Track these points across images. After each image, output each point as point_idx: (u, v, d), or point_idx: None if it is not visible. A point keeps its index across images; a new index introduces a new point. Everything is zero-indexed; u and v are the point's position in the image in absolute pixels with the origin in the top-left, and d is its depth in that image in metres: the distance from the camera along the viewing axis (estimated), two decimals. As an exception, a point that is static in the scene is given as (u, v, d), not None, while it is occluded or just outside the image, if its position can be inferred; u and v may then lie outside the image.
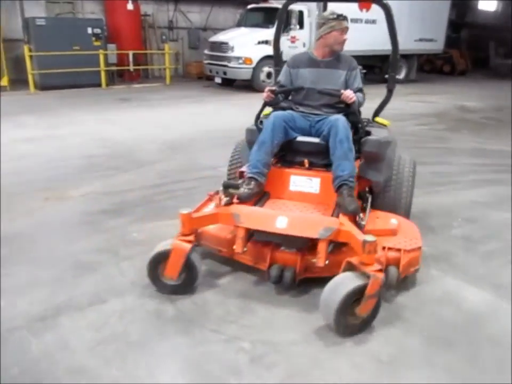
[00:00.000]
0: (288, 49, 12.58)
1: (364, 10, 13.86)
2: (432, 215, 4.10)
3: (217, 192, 3.23)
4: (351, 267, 2.47)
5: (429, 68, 20.78)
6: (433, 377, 2.19)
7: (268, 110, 3.54)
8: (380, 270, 2.40)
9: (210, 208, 3.19)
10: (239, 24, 13.52)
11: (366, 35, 14.00)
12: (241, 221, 2.72)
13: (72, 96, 10.79)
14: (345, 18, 3.38)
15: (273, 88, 3.39)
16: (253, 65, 11.95)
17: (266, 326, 2.53)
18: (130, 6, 13.32)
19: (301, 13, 12.66)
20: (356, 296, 2.35)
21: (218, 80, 12.73)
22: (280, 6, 13.02)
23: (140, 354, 2.28)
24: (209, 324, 2.53)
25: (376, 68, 15.87)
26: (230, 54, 12.10)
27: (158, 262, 2.76)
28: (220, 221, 2.89)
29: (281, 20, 4.09)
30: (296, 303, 2.74)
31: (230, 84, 13.00)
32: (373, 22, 14.18)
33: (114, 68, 13.00)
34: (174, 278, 2.73)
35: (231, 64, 12.08)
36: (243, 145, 3.80)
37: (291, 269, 2.73)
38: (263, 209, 3.00)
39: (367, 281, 2.32)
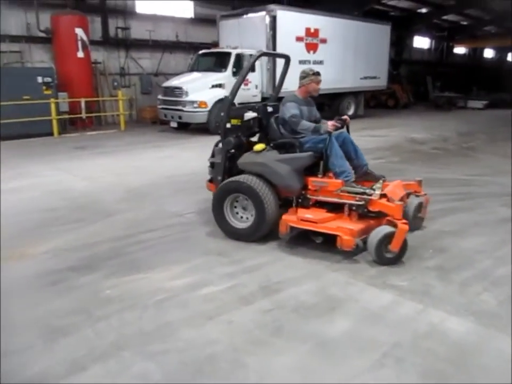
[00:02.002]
0: (242, 91, 12.88)
1: (312, 51, 14.47)
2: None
3: None
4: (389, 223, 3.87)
5: (374, 103, 21.82)
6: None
7: (261, 146, 4.46)
8: (405, 222, 3.79)
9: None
10: (191, 69, 13.71)
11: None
12: None
13: (24, 146, 10.44)
14: (319, 73, 4.71)
15: (344, 117, 4.67)
16: (208, 108, 12.07)
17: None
18: (80, 54, 13.25)
19: (252, 57, 12.98)
20: (389, 238, 3.74)
21: (174, 124, 12.74)
22: (230, 51, 13.49)
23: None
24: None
25: (325, 105, 16.48)
26: (184, 98, 12.19)
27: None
28: None
29: (249, 69, 4.93)
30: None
31: (186, 128, 13.05)
32: (321, 62, 14.79)
33: (66, 116, 12.75)
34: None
35: (186, 108, 12.15)
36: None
37: None
38: None
39: (395, 229, 3.72)
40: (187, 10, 17.09)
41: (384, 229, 3.82)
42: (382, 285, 3.48)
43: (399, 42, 24.79)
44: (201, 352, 2.68)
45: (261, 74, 13.33)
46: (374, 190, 4.16)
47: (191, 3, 17.07)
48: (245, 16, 13.69)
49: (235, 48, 13.04)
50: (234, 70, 12.71)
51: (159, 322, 3.03)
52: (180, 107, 12.32)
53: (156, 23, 16.13)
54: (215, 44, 15.01)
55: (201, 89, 12.33)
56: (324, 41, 14.84)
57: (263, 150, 4.46)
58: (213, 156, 4.95)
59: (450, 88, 25.91)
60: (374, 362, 2.56)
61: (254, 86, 13.26)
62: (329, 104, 16.27)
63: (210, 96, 12.19)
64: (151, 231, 4.77)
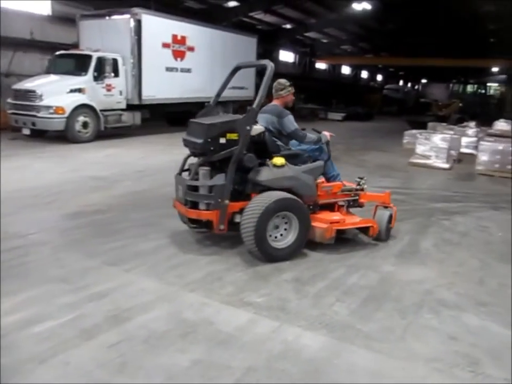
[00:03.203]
0: (104, 97, 12.16)
1: (179, 59, 14.23)
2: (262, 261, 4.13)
3: None
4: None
5: (242, 113, 22.27)
6: None
7: (281, 160, 4.23)
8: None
9: None
10: (47, 71, 12.53)
11: (182, 83, 14.37)
12: None
13: None
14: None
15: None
16: (66, 114, 11.07)
17: None
18: None
19: (115, 61, 12.35)
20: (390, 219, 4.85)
21: (26, 131, 11.45)
22: (92, 53, 12.61)
23: None
24: None
25: (194, 114, 16.30)
26: (38, 103, 11.04)
27: None
28: None
29: (228, 79, 4.99)
30: None
31: (41, 135, 11.83)
32: (188, 70, 14.63)
33: None
34: None
35: (40, 114, 10.99)
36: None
37: None
38: None
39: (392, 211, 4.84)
40: (43, 7, 15.66)
41: (385, 213, 4.86)
42: (238, 303, 3.34)
43: (266, 55, 25.70)
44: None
45: (126, 80, 12.71)
46: (360, 185, 4.92)
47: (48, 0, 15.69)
48: (107, 17, 12.97)
49: (97, 51, 12.24)
50: (95, 74, 11.93)
51: (-25, 373, 2.50)
52: (33, 112, 11.10)
53: (5, 18, 14.46)
54: (75, 45, 13.95)
55: (58, 93, 11.29)
56: (191, 49, 14.70)
57: (285, 164, 4.26)
58: (195, 177, 4.25)
59: (313, 101, 27.63)
60: (226, 392, 2.38)
61: (118, 92, 12.57)
62: (197, 112, 16.14)
63: (69, 102, 11.21)
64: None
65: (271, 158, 4.27)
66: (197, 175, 4.26)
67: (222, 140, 4.12)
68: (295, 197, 4.17)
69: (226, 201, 4.07)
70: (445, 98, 36.75)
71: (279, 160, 4.21)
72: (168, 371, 2.56)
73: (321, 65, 36.19)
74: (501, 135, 10.27)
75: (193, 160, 4.52)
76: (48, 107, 10.96)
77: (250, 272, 3.92)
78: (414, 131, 13.26)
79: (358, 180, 5.00)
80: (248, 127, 4.07)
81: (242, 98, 18.10)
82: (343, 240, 4.67)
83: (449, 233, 5.31)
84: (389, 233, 4.91)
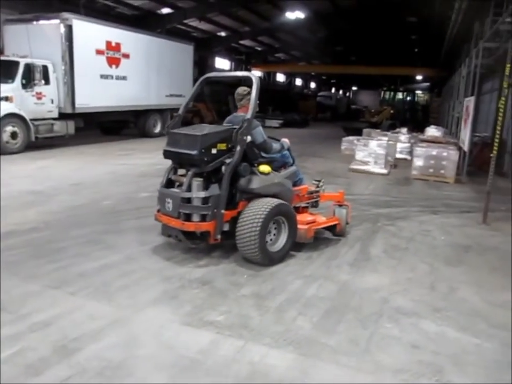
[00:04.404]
0: (34, 106, 11.46)
1: (114, 66, 13.74)
2: (218, 276, 3.99)
3: None
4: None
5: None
6: None
7: (267, 167, 4.46)
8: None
9: None
10: (-33, 78, 11.60)
11: (118, 91, 13.89)
12: None
13: None
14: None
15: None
16: (-8, 124, 10.32)
17: None
18: None
19: (45, 67, 11.68)
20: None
21: None
22: (19, 60, 11.89)
23: None
24: None
25: (130, 122, 15.86)
26: (-40, 112, 10.21)
27: None
28: None
29: (196, 91, 5.16)
30: None
31: (-36, 147, 10.91)
32: (124, 78, 14.17)
33: None
34: None
35: (-38, 124, 10.17)
36: None
37: None
38: None
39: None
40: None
41: (342, 210, 5.22)
42: (198, 323, 3.18)
43: (202, 62, 25.59)
44: None
45: (57, 88, 12.05)
46: (319, 187, 5.32)
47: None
48: (35, 22, 12.24)
49: (24, 57, 11.51)
50: (24, 81, 11.22)
51: None
52: (-46, 122, 10.25)
53: None
54: (0, 51, 13.06)
55: (-17, 102, 10.50)
56: (126, 56, 14.26)
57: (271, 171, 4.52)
58: (188, 189, 4.17)
59: (250, 108, 27.78)
60: (195, 424, 2.22)
61: (50, 101, 11.91)
62: (134, 121, 15.70)
63: (-6, 111, 10.46)
64: None
65: (252, 165, 4.40)
66: (189, 186, 4.20)
67: (214, 151, 4.19)
68: (285, 202, 4.45)
69: (223, 211, 4.14)
70: (374, 105, 38.38)
71: (266, 168, 4.45)
72: (130, 406, 2.36)
73: (256, 73, 36.56)
74: (432, 141, 10.79)
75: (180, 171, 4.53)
76: (-29, 116, 10.14)
77: (206, 288, 3.77)
78: (351, 137, 13.69)
79: (316, 182, 5.41)
80: (244, 137, 4.21)
81: (179, 105, 17.81)
82: (296, 249, 4.64)
83: (396, 238, 5.44)
84: (345, 229, 5.28)
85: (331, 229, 5.12)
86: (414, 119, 30.12)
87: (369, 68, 30.81)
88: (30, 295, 3.55)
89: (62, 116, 12.27)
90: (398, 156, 12.21)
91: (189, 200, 4.18)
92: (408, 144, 12.96)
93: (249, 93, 4.65)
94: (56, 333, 3.02)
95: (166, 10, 20.99)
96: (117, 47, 13.88)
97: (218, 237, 4.16)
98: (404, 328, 3.27)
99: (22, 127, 11.06)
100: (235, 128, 4.26)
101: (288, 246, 4.43)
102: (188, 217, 4.18)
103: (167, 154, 4.50)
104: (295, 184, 4.98)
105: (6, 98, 10.84)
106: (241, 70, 33.48)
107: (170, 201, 4.25)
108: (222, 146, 4.20)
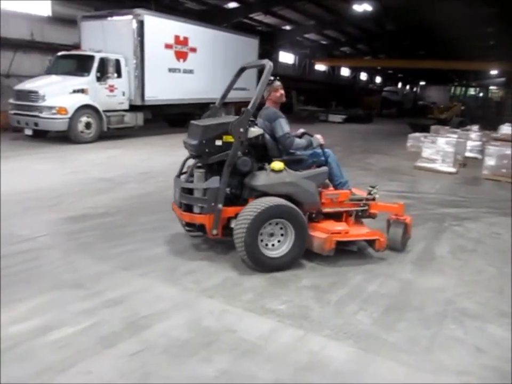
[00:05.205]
0: (107, 98, 12.07)
1: (181, 60, 14.15)
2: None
3: None
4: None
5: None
6: None
7: (279, 164, 4.06)
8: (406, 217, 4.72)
9: None
10: (48, 72, 12.41)
11: (184, 84, 14.29)
12: None
13: None
14: (274, 80, 4.51)
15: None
16: (69, 115, 10.99)
17: None
18: None
19: (117, 61, 12.27)
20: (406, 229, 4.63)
21: (28, 132, 11.36)
22: (94, 54, 12.60)
23: None
24: None
25: (195, 115, 16.25)
26: (41, 103, 10.94)
27: None
28: None
29: (234, 81, 5.00)
30: None
31: (43, 136, 11.73)
32: (191, 71, 14.55)
33: None
34: None
35: (42, 115, 10.89)
36: None
37: None
38: None
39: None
40: (43, 8, 15.53)
41: (399, 225, 4.61)
42: (260, 310, 3.27)
43: (266, 56, 25.59)
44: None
45: (128, 81, 12.62)
46: (372, 195, 4.62)
47: (48, 1, 15.55)
48: (109, 18, 12.87)
49: (99, 51, 12.16)
50: (98, 74, 11.85)
51: (-7, 383, 2.42)
52: (35, 113, 11.01)
53: (5, 19, 14.33)
54: (77, 46, 13.84)
55: (61, 94, 11.21)
56: (193, 50, 14.63)
57: (284, 169, 4.07)
58: (190, 179, 4.21)
59: (313, 103, 27.60)
60: (255, 405, 2.31)
61: (121, 93, 12.50)
62: (200, 114, 16.04)
63: (72, 102, 11.15)
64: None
65: (271, 162, 4.13)
66: (192, 177, 4.19)
67: (218, 142, 4.03)
68: (289, 204, 3.94)
69: (220, 206, 3.94)
70: (443, 100, 36.81)
71: (277, 165, 4.04)
72: (194, 382, 2.48)
73: (320, 67, 36.19)
74: (506, 139, 10.21)
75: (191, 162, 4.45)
76: (51, 107, 10.87)
77: (268, 277, 3.84)
78: (417, 134, 13.25)
79: (370, 188, 4.73)
80: (242, 129, 3.94)
81: (244, 99, 18.01)
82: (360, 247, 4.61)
83: (462, 239, 5.25)
84: (405, 244, 4.71)
85: (371, 244, 4.41)
86: (487, 116, 28.55)
87: (439, 62, 29.50)
88: (103, 274, 3.80)
89: (132, 108, 12.84)
90: (468, 154, 11.66)
91: (189, 191, 4.14)
92: (479, 143, 12.34)
93: (270, 83, 4.42)
94: (127, 310, 3.22)
95: (232, 5, 21.27)
96: (185, 41, 14.27)
97: (215, 232, 4.00)
98: (469, 330, 3.18)
99: (96, 118, 11.71)
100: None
101: (294, 253, 3.99)
102: (187, 208, 4.16)
103: (184, 145, 4.44)
104: (335, 187, 4.50)
105: (82, 91, 11.52)
106: (305, 64, 33.37)
107: (177, 190, 4.30)
108: (229, 138, 3.99)
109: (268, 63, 4.17)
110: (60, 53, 12.76)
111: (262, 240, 3.92)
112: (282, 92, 4.54)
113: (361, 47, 35.58)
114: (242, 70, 4.96)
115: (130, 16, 12.46)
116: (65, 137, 11.32)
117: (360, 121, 24.16)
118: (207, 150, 4.04)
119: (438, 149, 9.91)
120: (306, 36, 29.72)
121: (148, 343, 2.82)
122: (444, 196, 7.62)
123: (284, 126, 4.28)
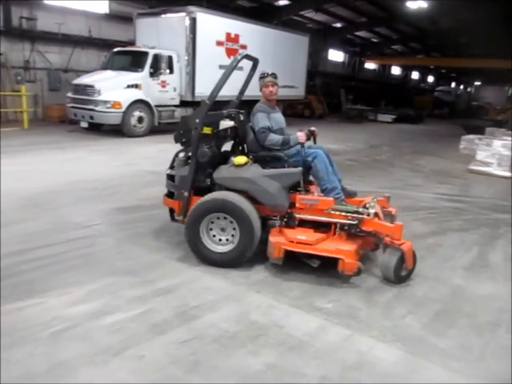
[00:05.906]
0: (159, 93, 12.38)
1: (232, 57, 14.26)
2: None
3: None
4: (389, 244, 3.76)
5: (290, 112, 22.12)
6: None
7: (242, 158, 3.99)
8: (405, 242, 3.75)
9: None
10: (104, 67, 12.90)
11: (234, 81, 14.37)
12: None
13: None
14: (269, 74, 4.47)
15: (312, 128, 4.28)
16: (123, 109, 11.38)
17: None
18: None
19: (170, 58, 12.55)
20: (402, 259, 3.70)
21: (84, 124, 11.86)
22: (148, 50, 12.90)
23: None
24: None
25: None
26: (96, 97, 11.39)
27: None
28: None
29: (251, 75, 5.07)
30: None
31: (98, 129, 12.21)
32: (241, 68, 14.54)
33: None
34: None
35: (98, 108, 11.35)
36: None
37: None
38: None
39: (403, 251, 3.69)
40: (101, 6, 16.13)
41: (394, 251, 3.70)
42: (307, 308, 3.29)
43: (315, 54, 25.50)
44: (105, 399, 2.29)
45: (180, 77, 12.89)
46: (367, 208, 3.87)
47: (106, -1, 16.15)
48: (163, 15, 13.18)
49: (153, 48, 12.49)
50: (151, 70, 12.18)
51: (53, 360, 2.57)
52: (91, 106, 11.49)
53: (66, 16, 15.00)
54: (131, 43, 14.28)
55: (116, 88, 11.62)
56: (244, 47, 14.71)
57: (246, 163, 3.98)
58: (172, 167, 4.40)
59: (362, 102, 27.16)
60: (302, 400, 2.33)
61: (173, 89, 12.79)
62: (249, 111, 16.16)
63: (126, 97, 11.54)
64: (49, 246, 4.20)
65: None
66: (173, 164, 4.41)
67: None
68: (233, 200, 3.78)
69: (186, 193, 4.04)
70: (499, 102, 35.26)
71: (240, 159, 3.98)
72: (242, 373, 2.54)
73: (370, 65, 35.55)
74: None
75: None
76: (106, 101, 11.29)
77: (314, 276, 3.84)
78: (471, 136, 12.79)
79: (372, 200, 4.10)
80: (197, 120, 3.97)
81: (293, 97, 17.98)
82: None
83: (518, 246, 5.04)
84: (407, 276, 3.85)
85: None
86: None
87: (496, 61, 28.26)
88: (154, 264, 3.93)
89: (182, 103, 13.10)
90: (525, 158, 11.13)
91: (170, 177, 4.33)
92: (538, 147, 11.74)
93: (262, 77, 4.47)
94: (177, 299, 3.33)
95: (283, 2, 21.25)
96: (236, 39, 14.40)
97: (180, 218, 4.08)
98: (524, 341, 3.06)
99: (148, 113, 12.05)
100: (223, 113, 4.40)
101: (237, 251, 3.83)
102: (169, 194, 4.40)
103: None
104: (323, 193, 4.08)
105: (136, 86, 11.88)
106: (355, 62, 32.87)
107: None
108: (207, 130, 4.07)
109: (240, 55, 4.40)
110: (115, 49, 13.21)
111: (210, 233, 3.94)
112: (272, 89, 4.33)
113: (413, 45, 34.64)
114: (255, 63, 5.10)
115: (183, 14, 12.70)
116: (119, 130, 11.73)
117: (410, 121, 23.56)
118: (184, 140, 4.24)
119: (494, 151, 9.53)
120: (357, 33, 29.28)
121: (198, 333, 2.90)
122: (499, 200, 7.32)
123: (260, 120, 4.17)
